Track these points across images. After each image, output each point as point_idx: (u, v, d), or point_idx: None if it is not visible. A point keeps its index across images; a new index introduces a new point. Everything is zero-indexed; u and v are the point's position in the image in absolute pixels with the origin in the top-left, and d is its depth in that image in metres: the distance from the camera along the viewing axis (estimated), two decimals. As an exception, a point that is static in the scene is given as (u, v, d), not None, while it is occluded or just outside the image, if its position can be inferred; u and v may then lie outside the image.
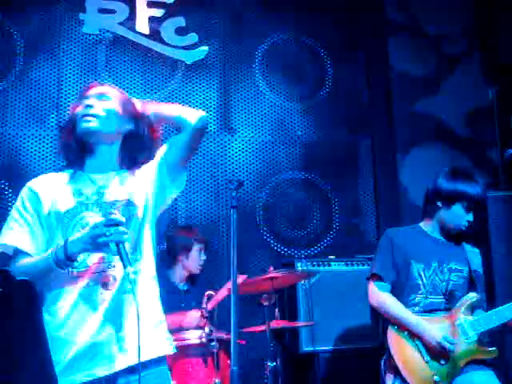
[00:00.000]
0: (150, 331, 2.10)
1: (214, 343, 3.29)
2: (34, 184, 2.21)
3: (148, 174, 2.26)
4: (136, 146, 2.24)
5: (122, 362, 2.03)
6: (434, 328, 2.95)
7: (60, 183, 2.20)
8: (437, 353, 2.92)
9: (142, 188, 2.23)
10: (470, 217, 3.10)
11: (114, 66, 4.53)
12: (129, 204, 2.17)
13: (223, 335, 3.36)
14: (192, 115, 2.26)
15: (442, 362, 2.92)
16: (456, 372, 2.92)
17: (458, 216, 3.08)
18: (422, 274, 3.07)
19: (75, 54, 4.49)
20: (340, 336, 3.93)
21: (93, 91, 2.24)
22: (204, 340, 3.32)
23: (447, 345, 2.89)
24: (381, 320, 3.81)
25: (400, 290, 3.09)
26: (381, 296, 3.09)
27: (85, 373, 2.01)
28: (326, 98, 4.83)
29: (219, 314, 3.53)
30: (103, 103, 2.20)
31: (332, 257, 4.16)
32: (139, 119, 2.25)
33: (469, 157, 4.86)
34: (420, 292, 3.05)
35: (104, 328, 2.03)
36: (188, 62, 4.64)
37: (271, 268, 3.50)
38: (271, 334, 3.47)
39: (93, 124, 2.16)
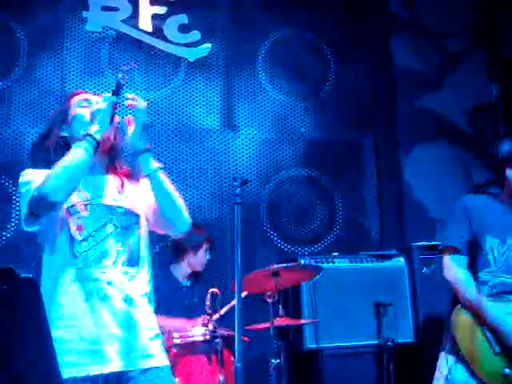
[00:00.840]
0: (150, 339, 2.13)
1: (218, 340, 3.30)
2: (30, 171, 2.18)
3: (146, 195, 2.25)
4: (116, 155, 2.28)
5: (119, 365, 2.04)
6: (505, 324, 2.69)
7: None
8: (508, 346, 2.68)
9: (140, 198, 2.24)
10: None
11: (117, 63, 4.53)
12: (128, 212, 2.19)
13: (227, 332, 3.37)
14: (183, 222, 2.23)
15: None
16: None
17: None
18: (494, 249, 2.80)
19: (78, 52, 4.49)
20: (344, 333, 3.92)
21: (84, 98, 2.28)
22: (208, 337, 3.33)
23: None
24: (384, 318, 3.82)
25: (471, 265, 2.83)
26: (458, 272, 2.80)
27: (79, 368, 2.01)
28: (329, 95, 4.83)
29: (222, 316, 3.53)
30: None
31: (335, 254, 4.15)
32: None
33: (472, 153, 4.85)
34: (490, 269, 2.79)
35: (104, 327, 2.05)
36: (191, 60, 4.64)
37: (274, 265, 3.49)
38: (275, 332, 3.47)
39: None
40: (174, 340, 3.27)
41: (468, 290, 2.78)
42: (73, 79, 4.44)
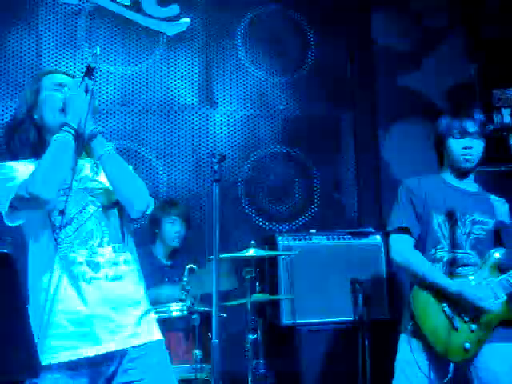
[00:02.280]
0: (140, 316, 2.12)
1: (195, 316, 3.32)
2: (8, 164, 2.12)
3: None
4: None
5: (111, 345, 2.04)
6: (469, 287, 2.72)
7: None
8: (469, 317, 2.71)
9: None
10: (465, 142, 2.86)
11: (94, 37, 4.46)
12: (107, 191, 2.16)
13: (204, 308, 3.38)
14: (141, 202, 2.14)
15: (473, 327, 2.70)
16: (486, 337, 2.71)
17: (453, 147, 2.88)
18: (442, 226, 2.83)
19: (54, 25, 4.41)
20: (320, 309, 3.97)
21: (57, 79, 2.21)
22: (185, 313, 3.34)
23: (485, 305, 2.68)
24: (360, 295, 3.86)
25: (422, 245, 2.85)
26: (405, 251, 2.84)
27: (71, 352, 2.00)
28: (309, 72, 4.80)
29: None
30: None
31: (313, 231, 4.18)
32: None
33: (449, 132, 4.88)
34: (440, 246, 2.81)
35: (93, 309, 2.04)
36: (169, 34, 4.58)
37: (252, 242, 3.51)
38: (252, 308, 3.50)
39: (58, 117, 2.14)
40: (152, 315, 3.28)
41: (418, 264, 2.79)
42: (48, 53, 4.36)
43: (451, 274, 2.80)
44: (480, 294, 2.71)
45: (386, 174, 4.77)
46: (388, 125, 4.85)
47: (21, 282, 1.57)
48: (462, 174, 2.95)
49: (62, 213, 2.05)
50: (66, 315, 2.03)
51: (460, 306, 2.72)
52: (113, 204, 2.17)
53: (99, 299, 2.05)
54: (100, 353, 2.03)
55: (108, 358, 2.05)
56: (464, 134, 2.88)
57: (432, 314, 2.74)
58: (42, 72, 2.29)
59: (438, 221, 2.85)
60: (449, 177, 2.96)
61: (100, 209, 2.14)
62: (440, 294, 2.74)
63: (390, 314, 4.02)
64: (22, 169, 2.09)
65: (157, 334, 2.17)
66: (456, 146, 2.90)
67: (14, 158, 2.16)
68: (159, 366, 2.13)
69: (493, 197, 2.99)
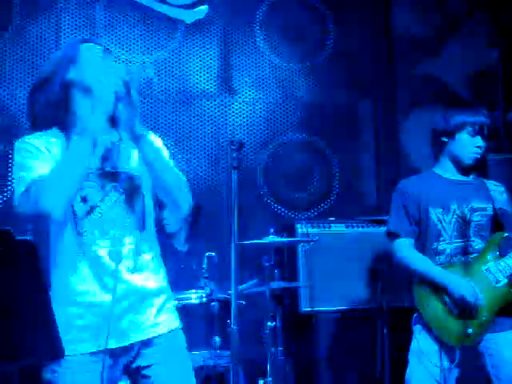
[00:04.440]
0: (161, 305, 2.12)
1: (214, 303, 3.33)
2: (32, 141, 2.04)
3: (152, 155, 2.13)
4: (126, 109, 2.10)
5: (132, 336, 2.04)
6: (458, 280, 2.77)
7: (56, 148, 2.04)
8: (463, 306, 2.76)
9: (143, 161, 2.13)
10: (478, 141, 2.88)
11: (112, 24, 4.46)
12: (131, 177, 2.10)
13: (223, 295, 3.40)
14: (185, 205, 2.11)
15: (473, 312, 2.74)
16: (489, 321, 2.75)
17: (465, 143, 2.88)
18: (441, 218, 2.87)
19: (73, 13, 4.41)
20: (339, 297, 3.97)
21: (99, 49, 2.14)
22: (205, 300, 3.36)
23: (470, 300, 2.72)
24: (379, 283, 3.86)
25: (423, 241, 2.90)
26: (401, 252, 2.91)
27: (92, 343, 1.99)
28: (328, 58, 4.76)
29: (219, 274, 3.56)
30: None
31: (332, 219, 4.17)
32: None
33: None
34: (442, 238, 2.86)
35: (115, 300, 2.00)
36: (188, 22, 4.57)
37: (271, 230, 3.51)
38: (271, 295, 3.50)
39: (122, 83, 2.01)
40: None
41: (414, 263, 2.87)
42: (67, 40, 4.37)
43: (455, 263, 2.85)
44: (462, 292, 2.74)
45: (405, 161, 4.73)
46: (408, 112, 4.80)
47: (43, 269, 1.58)
48: (462, 169, 2.96)
49: (84, 200, 2.01)
50: (87, 306, 2.02)
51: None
52: (136, 190, 2.11)
53: (121, 290, 2.02)
54: (121, 345, 2.02)
55: (128, 348, 2.05)
56: (479, 132, 2.88)
57: (433, 303, 2.81)
58: (81, 39, 2.20)
59: (437, 214, 2.88)
60: (444, 171, 2.97)
61: (123, 196, 2.08)
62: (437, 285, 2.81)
63: (409, 302, 3.99)
64: (42, 154, 2.00)
65: (176, 322, 2.17)
66: (469, 142, 2.90)
67: (36, 122, 2.09)
68: (177, 354, 2.13)
69: (489, 182, 3.00)
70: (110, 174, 2.07)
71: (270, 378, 3.48)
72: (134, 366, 2.08)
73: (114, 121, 2.01)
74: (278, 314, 3.56)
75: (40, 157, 2.00)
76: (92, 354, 2.00)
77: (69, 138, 2.02)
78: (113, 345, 2.01)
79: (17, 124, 4.19)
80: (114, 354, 2.03)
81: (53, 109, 2.05)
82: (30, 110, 2.12)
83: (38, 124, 2.09)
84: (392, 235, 2.98)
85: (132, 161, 2.14)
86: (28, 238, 1.61)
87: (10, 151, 4.09)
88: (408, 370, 2.87)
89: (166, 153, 2.18)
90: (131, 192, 2.09)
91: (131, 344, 2.05)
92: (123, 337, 2.03)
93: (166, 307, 2.15)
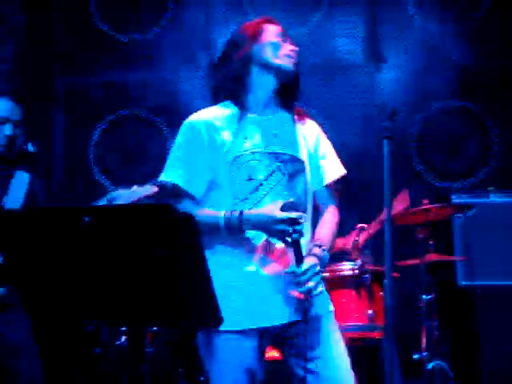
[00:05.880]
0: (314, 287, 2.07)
1: (367, 275, 3.31)
2: (196, 120, 2.13)
3: (312, 137, 2.22)
4: (293, 87, 2.23)
5: (287, 316, 2.03)
6: None
7: (224, 123, 2.11)
8: None
9: (306, 143, 2.18)
10: None
11: (258, 1, 4.52)
12: (294, 159, 2.12)
13: (376, 267, 3.36)
14: None
15: None
16: None
17: None
18: None
19: (222, -7, 4.55)
20: (499, 271, 3.76)
21: (280, 30, 2.21)
22: (357, 272, 3.35)
23: None
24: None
25: None
26: None
27: (254, 320, 2.01)
28: (484, 18, 4.45)
29: (372, 246, 3.52)
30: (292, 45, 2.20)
31: (491, 188, 3.94)
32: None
33: None
34: None
35: (272, 281, 2.02)
36: (331, -8, 4.50)
37: (425, 201, 3.40)
38: (425, 268, 3.41)
39: (295, 66, 2.18)
40: (323, 274, 3.33)
41: None
42: (217, 22, 4.51)
43: None
44: None
45: None
46: None
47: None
48: None
49: (250, 178, 2.04)
50: (246, 286, 2.03)
51: None
52: (299, 173, 2.11)
53: (279, 271, 2.03)
54: (277, 323, 2.03)
55: (281, 326, 2.04)
56: None
57: None
58: (263, 18, 2.24)
59: None
60: None
61: (286, 177, 2.08)
62: None
63: None
64: (199, 145, 2.08)
65: (329, 305, 2.16)
66: None
67: (215, 95, 2.19)
68: (330, 333, 2.10)
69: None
70: (275, 155, 2.09)
71: (425, 353, 3.41)
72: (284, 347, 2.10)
73: (282, 99, 2.16)
74: (434, 287, 3.46)
75: (196, 150, 2.08)
76: (253, 332, 2.02)
77: (242, 112, 2.12)
78: (267, 323, 2.02)
79: (174, 104, 4.41)
80: (266, 331, 2.04)
81: (231, 83, 2.14)
82: (214, 83, 2.22)
83: (216, 97, 2.19)
84: None
85: (296, 144, 2.15)
86: (188, 212, 1.70)
87: (167, 128, 4.35)
88: None
89: (324, 139, 2.26)
90: (294, 174, 2.10)
91: (286, 323, 2.05)
92: (278, 316, 2.03)
93: (319, 290, 2.10)
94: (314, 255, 2.05)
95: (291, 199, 2.00)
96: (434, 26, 4.48)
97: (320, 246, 2.09)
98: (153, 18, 4.56)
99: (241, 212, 1.98)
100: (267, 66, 2.13)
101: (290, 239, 1.96)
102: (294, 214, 1.94)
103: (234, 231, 2.00)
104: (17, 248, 1.67)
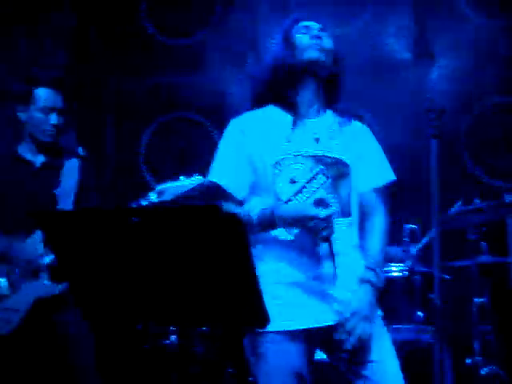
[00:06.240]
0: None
1: (416, 277, 3.26)
2: (240, 122, 2.15)
3: (359, 140, 2.18)
4: (334, 85, 2.20)
5: (332, 318, 2.00)
6: None
7: (267, 126, 2.11)
8: None
9: (352, 145, 2.14)
10: None
11: (304, 1, 4.51)
12: (338, 162, 2.08)
13: (426, 269, 3.31)
14: None
15: None
16: None
17: None
18: None
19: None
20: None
21: (310, 23, 2.18)
22: (406, 273, 3.30)
23: None
24: None
25: None
26: None
27: (294, 322, 1.99)
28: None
29: (423, 247, 3.46)
30: (325, 39, 2.16)
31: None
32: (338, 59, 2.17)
33: None
34: None
35: (314, 283, 2.00)
36: (379, -11, 4.46)
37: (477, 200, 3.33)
38: (478, 269, 3.33)
39: (321, 56, 2.11)
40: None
41: None
42: (263, 20, 4.53)
43: None
44: None
45: None
46: None
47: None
48: None
49: (292, 181, 2.02)
50: (289, 287, 2.01)
51: None
52: (343, 177, 2.08)
53: (325, 272, 2.00)
54: (321, 324, 2.00)
55: (328, 328, 2.01)
56: None
57: None
58: (291, 19, 2.23)
59: None
60: None
61: (330, 180, 2.05)
62: None
63: None
64: (240, 148, 2.09)
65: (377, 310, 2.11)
66: None
67: (255, 99, 2.20)
68: (379, 336, 2.05)
69: None
70: (318, 158, 2.06)
71: (478, 358, 3.32)
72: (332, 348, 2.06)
73: (326, 100, 2.15)
74: (486, 289, 3.37)
75: (240, 152, 2.09)
76: (298, 332, 2.00)
77: (286, 114, 2.11)
78: (311, 325, 2.00)
79: (221, 105, 4.44)
80: (312, 333, 2.02)
81: (275, 86, 2.14)
82: (251, 89, 2.25)
83: (257, 101, 2.20)
84: None
85: (340, 147, 2.12)
86: (235, 212, 1.70)
87: (212, 128, 4.39)
88: None
89: (373, 141, 2.23)
90: (338, 177, 2.06)
91: (330, 325, 2.02)
92: (322, 318, 2.01)
93: None
94: (369, 282, 2.03)
95: (321, 196, 1.98)
96: (484, 20, 4.37)
97: (373, 269, 2.04)
98: (201, 21, 4.61)
99: (272, 210, 1.98)
100: (301, 69, 2.10)
101: (324, 234, 1.93)
102: (324, 211, 1.92)
103: (267, 227, 2.00)
104: (68, 248, 1.71)
